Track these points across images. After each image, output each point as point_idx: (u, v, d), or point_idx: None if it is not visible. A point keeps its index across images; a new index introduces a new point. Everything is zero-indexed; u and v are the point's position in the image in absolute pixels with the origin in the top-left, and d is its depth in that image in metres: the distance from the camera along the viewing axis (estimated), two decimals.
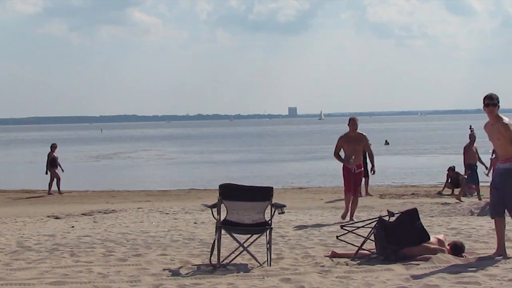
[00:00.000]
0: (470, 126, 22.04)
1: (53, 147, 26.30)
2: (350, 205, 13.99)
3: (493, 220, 9.10)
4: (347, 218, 13.85)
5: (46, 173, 25.95)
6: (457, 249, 9.06)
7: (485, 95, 8.94)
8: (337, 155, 13.90)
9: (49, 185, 25.82)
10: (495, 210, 9.02)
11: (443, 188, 22.47)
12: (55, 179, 25.85)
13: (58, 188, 25.79)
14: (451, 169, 22.33)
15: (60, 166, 25.97)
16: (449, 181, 22.39)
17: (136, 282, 7.93)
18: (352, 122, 13.85)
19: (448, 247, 9.10)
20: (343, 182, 14.14)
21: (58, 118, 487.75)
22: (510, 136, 8.80)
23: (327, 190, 25.37)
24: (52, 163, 25.77)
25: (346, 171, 13.86)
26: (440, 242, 9.14)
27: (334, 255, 9.27)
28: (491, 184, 9.30)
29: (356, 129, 13.82)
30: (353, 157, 13.70)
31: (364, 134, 13.99)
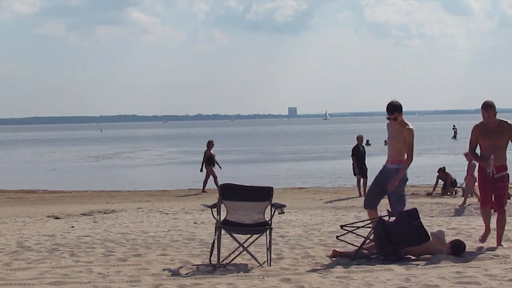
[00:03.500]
0: (454, 125, 22.22)
1: (210, 144, 25.53)
2: (489, 221, 9.79)
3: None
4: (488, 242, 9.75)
5: (201, 170, 25.36)
6: (458, 248, 9.06)
7: (390, 103, 9.72)
8: (472, 151, 9.74)
9: (203, 182, 25.27)
10: (372, 202, 9.94)
11: (433, 190, 22.43)
12: (210, 177, 25.23)
13: (217, 186, 25.23)
14: (441, 170, 22.30)
15: (217, 164, 25.36)
16: (439, 182, 22.39)
17: (136, 282, 7.93)
18: (487, 109, 9.51)
19: (448, 245, 9.10)
20: (478, 189, 10.26)
21: (58, 118, 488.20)
22: (410, 141, 9.66)
23: (327, 190, 25.37)
24: (209, 161, 25.34)
25: (482, 175, 9.69)
26: (439, 238, 9.12)
27: (335, 254, 9.25)
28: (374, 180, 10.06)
29: (495, 116, 9.56)
30: (492, 156, 9.50)
31: (509, 122, 9.63)
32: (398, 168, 9.72)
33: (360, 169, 22.41)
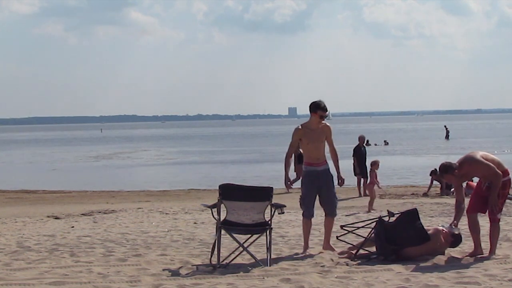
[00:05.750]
0: (445, 126, 22.21)
1: None
2: (478, 237, 9.12)
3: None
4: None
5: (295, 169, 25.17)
6: (454, 239, 9.08)
7: (315, 102, 9.82)
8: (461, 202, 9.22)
9: (294, 180, 25.28)
10: (310, 211, 9.69)
11: (428, 190, 22.40)
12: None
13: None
14: (433, 172, 22.24)
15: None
16: (433, 183, 22.43)
17: (136, 282, 7.94)
18: (443, 176, 9.24)
19: (445, 238, 9.09)
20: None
21: (58, 118, 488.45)
22: (331, 138, 9.83)
23: None
24: (299, 160, 25.31)
25: (478, 185, 9.33)
26: (437, 236, 9.11)
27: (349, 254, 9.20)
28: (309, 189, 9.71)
29: (454, 174, 9.03)
30: (454, 226, 9.24)
31: (475, 159, 9.02)
32: (328, 168, 9.79)
33: (361, 169, 22.36)
